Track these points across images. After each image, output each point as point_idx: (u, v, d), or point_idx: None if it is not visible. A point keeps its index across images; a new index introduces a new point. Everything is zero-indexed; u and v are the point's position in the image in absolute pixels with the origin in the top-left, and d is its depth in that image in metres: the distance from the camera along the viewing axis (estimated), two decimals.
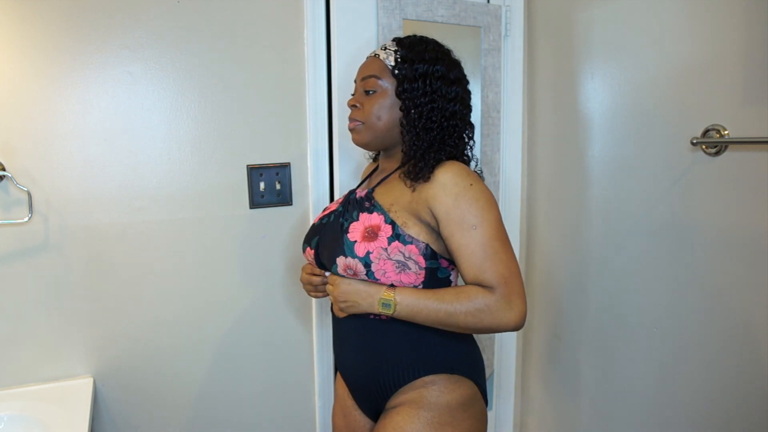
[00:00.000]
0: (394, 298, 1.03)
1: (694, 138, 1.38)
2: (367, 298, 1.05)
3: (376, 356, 1.11)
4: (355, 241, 1.05)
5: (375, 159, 1.37)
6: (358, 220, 1.08)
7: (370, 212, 1.09)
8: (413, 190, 1.07)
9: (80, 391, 1.36)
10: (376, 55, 1.16)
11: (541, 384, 1.99)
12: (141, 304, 1.47)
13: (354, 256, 1.04)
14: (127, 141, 1.41)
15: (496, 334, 1.94)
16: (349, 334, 1.15)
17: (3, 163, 1.29)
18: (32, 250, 1.35)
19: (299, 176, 1.61)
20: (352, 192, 1.19)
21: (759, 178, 1.30)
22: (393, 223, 1.05)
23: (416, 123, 1.10)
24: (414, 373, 1.08)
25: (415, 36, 1.16)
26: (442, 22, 1.65)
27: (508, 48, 1.82)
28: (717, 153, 1.37)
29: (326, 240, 1.12)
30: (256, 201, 1.55)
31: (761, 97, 1.28)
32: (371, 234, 1.05)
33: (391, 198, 1.09)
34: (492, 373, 1.95)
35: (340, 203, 1.19)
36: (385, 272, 1.04)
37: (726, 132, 1.35)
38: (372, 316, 1.09)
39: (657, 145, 1.52)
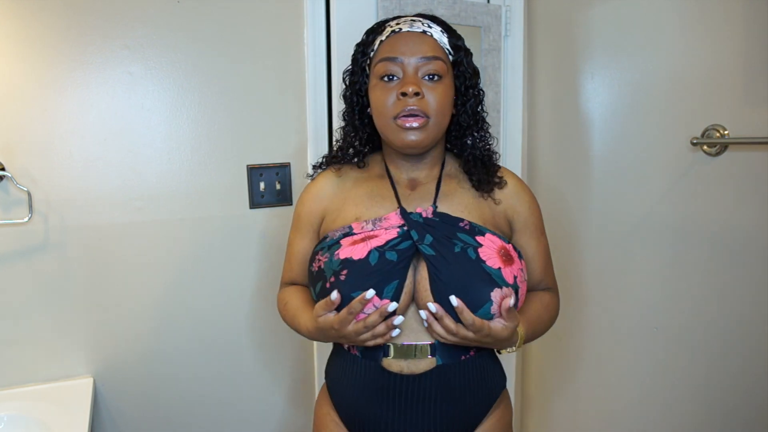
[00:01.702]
0: (523, 336, 0.95)
1: (694, 138, 1.38)
2: (510, 339, 0.92)
3: (462, 398, 0.96)
4: (500, 267, 0.89)
5: (326, 164, 1.09)
6: (481, 245, 0.91)
7: (483, 234, 0.93)
8: (493, 201, 1.00)
9: (80, 391, 1.36)
10: (424, 32, 0.94)
11: (541, 384, 1.99)
12: (141, 304, 1.47)
13: (507, 285, 0.89)
14: (127, 141, 1.41)
15: None
16: (422, 388, 0.94)
17: (3, 163, 1.29)
18: (32, 250, 1.35)
19: (299, 176, 1.61)
20: (411, 213, 0.95)
21: (759, 178, 1.30)
22: (510, 242, 0.95)
23: (480, 123, 1.01)
24: (491, 403, 1.01)
25: (438, 17, 1.01)
26: None
27: (508, 48, 1.82)
28: (717, 153, 1.37)
29: (454, 277, 0.87)
30: (256, 201, 1.55)
31: (761, 97, 1.28)
32: (507, 257, 0.91)
33: (476, 214, 0.97)
34: None
35: (400, 228, 0.92)
36: (522, 294, 0.93)
37: (726, 132, 1.35)
38: (463, 357, 0.95)
39: (657, 145, 1.52)
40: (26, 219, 1.31)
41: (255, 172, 1.54)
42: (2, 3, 1.26)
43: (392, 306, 0.86)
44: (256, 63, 1.51)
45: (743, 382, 1.39)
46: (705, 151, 1.39)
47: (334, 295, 0.87)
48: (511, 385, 1.99)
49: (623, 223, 1.63)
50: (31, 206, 1.31)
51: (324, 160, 1.10)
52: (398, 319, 0.88)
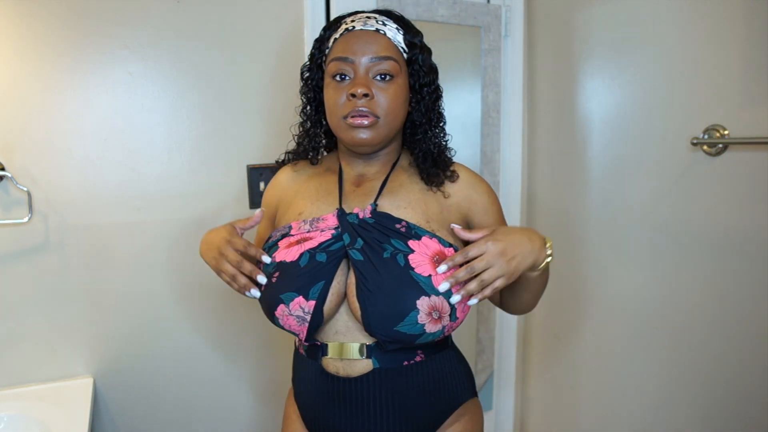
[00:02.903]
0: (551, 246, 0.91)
1: (694, 138, 1.38)
2: (536, 243, 0.89)
3: (409, 404, 0.93)
4: (430, 275, 0.86)
5: (286, 161, 1.09)
6: (412, 250, 0.88)
7: (418, 238, 0.90)
8: (442, 195, 0.97)
9: (80, 391, 1.36)
10: (378, 30, 0.93)
11: (541, 384, 1.99)
12: (141, 304, 1.47)
13: (437, 293, 0.85)
14: (127, 141, 1.41)
15: (496, 335, 1.94)
16: (360, 391, 0.92)
17: (3, 163, 1.29)
18: (32, 250, 1.35)
19: None
20: (348, 214, 0.94)
21: (759, 178, 1.30)
22: (451, 245, 0.91)
23: (436, 122, 1.00)
24: (448, 413, 0.98)
25: (396, 12, 0.99)
26: (442, 22, 1.65)
27: (508, 48, 1.82)
28: (717, 153, 1.37)
29: (379, 285, 0.86)
30: (256, 201, 1.55)
31: (761, 97, 1.28)
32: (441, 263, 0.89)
33: (418, 213, 0.94)
34: (492, 373, 1.95)
35: (335, 230, 0.92)
36: (463, 303, 0.89)
37: (726, 132, 1.35)
38: (406, 363, 0.92)
39: (657, 145, 1.52)
40: (26, 219, 1.31)
41: (255, 172, 1.54)
42: (2, 3, 1.26)
43: (266, 258, 0.92)
44: (256, 63, 1.51)
45: (743, 382, 1.39)
46: (705, 151, 1.39)
47: (258, 213, 0.98)
48: (511, 385, 1.99)
49: (623, 223, 1.63)
50: (31, 206, 1.31)
51: (286, 156, 1.10)
52: (261, 278, 0.91)
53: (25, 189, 1.30)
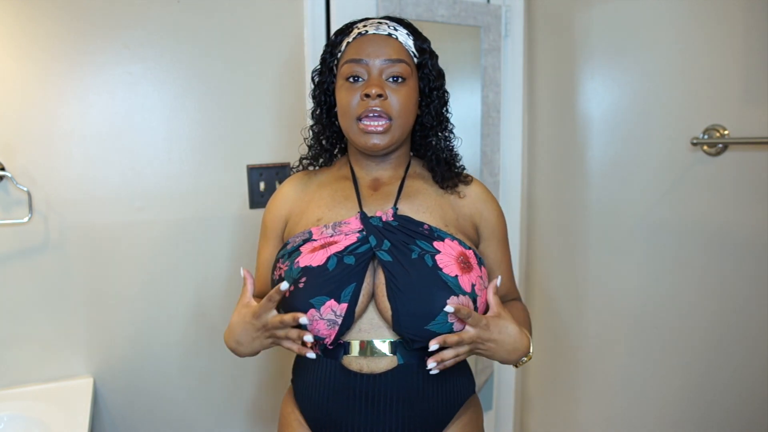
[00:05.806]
0: (531, 351, 0.93)
1: (694, 138, 1.38)
2: (513, 354, 0.91)
3: (423, 400, 0.94)
4: (457, 275, 0.89)
5: (302, 167, 1.10)
6: (438, 251, 0.90)
7: (442, 239, 0.92)
8: (457, 196, 1.01)
9: (80, 391, 1.36)
10: (390, 35, 0.96)
11: (541, 384, 1.99)
12: (141, 304, 1.47)
13: (464, 293, 0.88)
14: (127, 141, 1.41)
15: None
16: (383, 387, 0.92)
17: (3, 163, 1.29)
18: (32, 250, 1.35)
19: None
20: (371, 217, 0.95)
21: (759, 178, 1.30)
22: (471, 248, 0.94)
23: (444, 124, 1.03)
24: (455, 408, 0.99)
25: (405, 19, 1.03)
26: (442, 22, 1.65)
27: (508, 48, 1.82)
28: (717, 153, 1.37)
29: (410, 285, 0.88)
30: (256, 201, 1.55)
31: (761, 97, 1.28)
32: (465, 264, 0.91)
33: (436, 217, 0.97)
34: (492, 373, 1.95)
35: (360, 233, 0.93)
36: (481, 303, 0.92)
37: (726, 132, 1.35)
38: (427, 358, 0.92)
39: (657, 145, 1.52)
40: (26, 219, 1.31)
41: (255, 172, 1.54)
42: (2, 3, 1.26)
43: (303, 319, 0.86)
44: (256, 63, 1.51)
45: (742, 382, 1.39)
46: (705, 151, 1.40)
47: (284, 285, 0.86)
48: (510, 385, 1.99)
49: (623, 223, 1.63)
50: (31, 206, 1.31)
51: (301, 162, 1.10)
52: (308, 337, 0.87)
53: (25, 189, 1.31)
